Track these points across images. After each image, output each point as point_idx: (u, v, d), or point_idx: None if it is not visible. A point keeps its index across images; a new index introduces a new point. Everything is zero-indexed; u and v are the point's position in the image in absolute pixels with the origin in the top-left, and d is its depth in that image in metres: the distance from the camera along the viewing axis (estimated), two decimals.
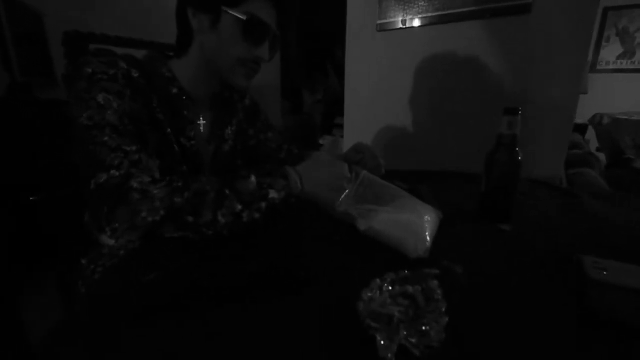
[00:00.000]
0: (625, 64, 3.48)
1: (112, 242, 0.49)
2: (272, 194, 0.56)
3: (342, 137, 1.59)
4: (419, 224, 0.54)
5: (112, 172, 0.51)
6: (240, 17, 0.60)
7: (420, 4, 1.26)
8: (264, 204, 0.55)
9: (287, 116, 2.63)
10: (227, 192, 0.53)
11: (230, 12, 0.60)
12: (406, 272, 0.44)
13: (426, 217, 0.56)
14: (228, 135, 0.77)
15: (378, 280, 0.42)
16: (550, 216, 0.71)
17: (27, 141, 1.44)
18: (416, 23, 1.27)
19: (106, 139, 0.52)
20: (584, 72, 0.99)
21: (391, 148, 1.39)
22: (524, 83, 1.07)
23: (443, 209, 0.61)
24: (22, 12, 1.72)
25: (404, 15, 1.31)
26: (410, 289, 0.41)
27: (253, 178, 0.55)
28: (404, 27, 1.31)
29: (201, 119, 0.72)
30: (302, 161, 0.63)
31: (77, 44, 0.80)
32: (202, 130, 0.72)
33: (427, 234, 0.53)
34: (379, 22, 1.38)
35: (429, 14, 1.23)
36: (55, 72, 1.92)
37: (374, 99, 1.41)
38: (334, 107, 2.55)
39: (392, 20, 1.35)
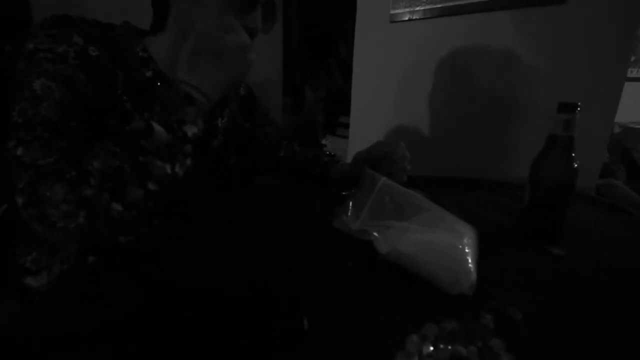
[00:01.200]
0: (635, 72, 3.37)
1: (42, 281, 0.38)
2: (190, 130, 0.46)
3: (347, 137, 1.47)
4: (458, 249, 0.41)
5: (18, 199, 0.40)
6: None
7: None
8: (188, 147, 0.46)
9: (288, 114, 2.51)
10: (142, 159, 0.42)
11: None
12: (452, 323, 0.31)
13: (466, 238, 0.43)
14: (218, 128, 0.64)
15: (415, 338, 0.29)
16: (608, 238, 0.59)
17: None
18: (434, 13, 1.15)
19: (19, 152, 0.41)
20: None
21: None
22: (556, 82, 0.94)
23: (474, 226, 0.49)
24: None
25: (420, 5, 1.18)
26: (462, 351, 0.29)
27: (156, 126, 0.43)
28: (420, 17, 1.18)
29: None
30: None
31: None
32: None
33: (470, 262, 0.40)
34: (391, 12, 1.26)
35: (450, 3, 1.11)
36: None
37: (384, 96, 1.28)
38: (338, 104, 2.43)
39: (406, 10, 1.22)
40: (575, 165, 0.52)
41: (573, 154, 0.52)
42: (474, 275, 0.39)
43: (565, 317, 0.37)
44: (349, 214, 0.51)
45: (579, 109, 0.51)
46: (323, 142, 2.48)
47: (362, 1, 1.31)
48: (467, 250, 0.41)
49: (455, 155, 1.14)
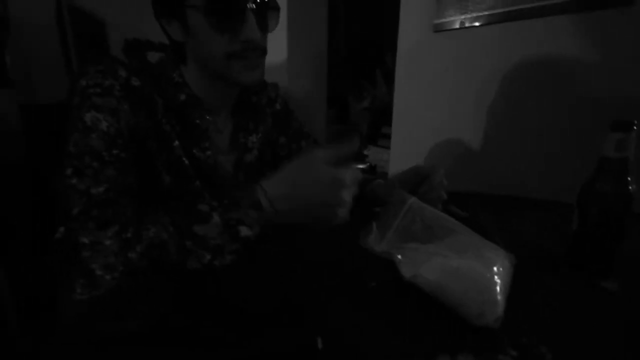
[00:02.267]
0: None
1: (84, 296, 0.43)
2: (244, 232, 0.46)
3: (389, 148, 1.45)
4: (486, 278, 0.39)
5: (71, 224, 0.45)
6: (196, 3, 0.50)
7: None
8: (236, 246, 0.46)
9: (332, 125, 2.54)
10: (189, 244, 0.44)
11: (188, 4, 0.51)
12: (468, 357, 0.30)
13: (496, 266, 0.41)
14: (252, 143, 0.68)
15: None
16: None
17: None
18: (481, 21, 1.10)
19: (74, 181, 0.46)
20: None
21: (445, 164, 1.22)
22: (623, 91, 0.85)
23: (514, 250, 0.46)
24: (85, 16, 1.80)
25: (466, 13, 1.14)
26: None
27: (216, 217, 0.45)
28: (466, 26, 1.14)
29: (219, 127, 0.64)
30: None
31: (136, 51, 0.75)
32: (221, 140, 0.64)
33: (498, 292, 0.38)
34: (435, 21, 1.23)
35: (498, 10, 1.06)
36: None
37: (427, 107, 1.26)
38: (381, 115, 2.41)
39: (451, 19, 1.19)
40: (630, 189, 0.47)
41: (629, 178, 0.47)
42: (500, 308, 0.37)
43: None
44: (374, 234, 0.51)
45: (635, 127, 0.46)
46: (365, 152, 2.46)
47: (405, 11, 1.30)
48: (496, 280, 0.39)
49: (502, 171, 1.08)
